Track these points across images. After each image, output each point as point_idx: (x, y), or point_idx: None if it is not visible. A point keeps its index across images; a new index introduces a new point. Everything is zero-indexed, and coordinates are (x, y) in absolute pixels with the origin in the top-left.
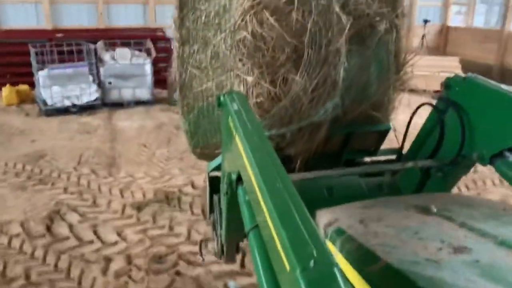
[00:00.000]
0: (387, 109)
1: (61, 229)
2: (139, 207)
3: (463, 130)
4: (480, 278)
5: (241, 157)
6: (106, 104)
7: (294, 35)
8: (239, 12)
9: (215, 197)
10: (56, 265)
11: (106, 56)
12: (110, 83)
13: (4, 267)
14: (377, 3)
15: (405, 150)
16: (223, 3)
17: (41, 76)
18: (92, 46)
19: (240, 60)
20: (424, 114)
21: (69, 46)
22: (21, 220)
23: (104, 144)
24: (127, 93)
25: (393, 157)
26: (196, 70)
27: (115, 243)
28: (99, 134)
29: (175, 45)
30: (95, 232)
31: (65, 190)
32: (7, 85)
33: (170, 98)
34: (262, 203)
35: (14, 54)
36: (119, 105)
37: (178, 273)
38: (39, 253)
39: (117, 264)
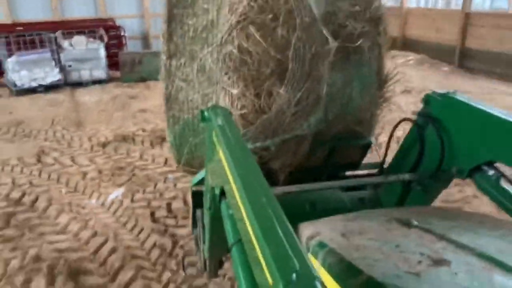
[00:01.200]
0: (370, 124)
1: (48, 160)
2: (103, 145)
3: (442, 145)
4: None
5: (224, 172)
6: (68, 84)
7: (278, 50)
8: (226, 27)
9: (198, 212)
10: (49, 178)
11: (65, 44)
12: (70, 66)
13: (13, 180)
14: (360, 21)
15: (386, 164)
16: (210, 18)
17: (10, 62)
18: (52, 35)
19: (226, 73)
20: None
21: (31, 36)
22: (17, 157)
23: (70, 112)
24: (85, 74)
25: (375, 171)
26: (182, 83)
27: (89, 165)
28: (65, 106)
29: (162, 58)
30: (73, 160)
31: (45, 140)
32: None
33: (122, 77)
34: (245, 217)
35: None
36: (79, 84)
37: (134, 174)
38: (35, 172)
39: (91, 174)
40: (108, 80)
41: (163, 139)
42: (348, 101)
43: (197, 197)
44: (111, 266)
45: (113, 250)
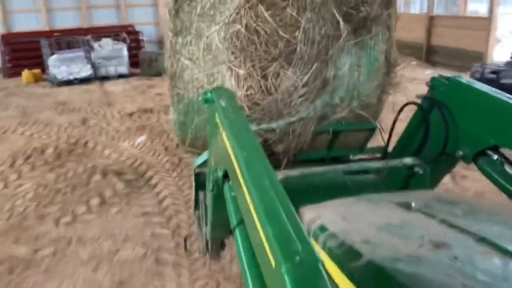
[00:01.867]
0: (375, 109)
1: (90, 123)
2: (130, 114)
3: (447, 129)
4: (459, 274)
5: (227, 154)
6: (97, 77)
7: (287, 30)
8: (234, 5)
9: (201, 194)
10: (93, 133)
11: (95, 45)
12: (99, 63)
13: (68, 134)
14: (372, 4)
15: (390, 148)
16: None
17: (52, 60)
18: (85, 38)
19: (233, 53)
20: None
21: (67, 39)
22: (67, 122)
23: (102, 97)
24: (111, 69)
25: (379, 155)
26: (188, 61)
27: (120, 126)
28: (97, 93)
29: (168, 34)
30: (108, 124)
31: (86, 113)
32: (25, 70)
33: (141, 72)
34: (248, 199)
35: (26, 50)
36: (106, 78)
37: (152, 129)
38: (83, 130)
39: (122, 130)
40: (130, 75)
41: None
42: (355, 85)
43: (200, 178)
44: (140, 170)
45: (140, 164)
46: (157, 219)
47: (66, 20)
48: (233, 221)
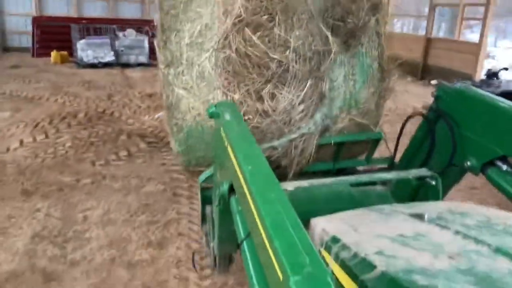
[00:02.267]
0: (375, 115)
1: (115, 99)
2: (149, 95)
3: (453, 140)
4: (475, 286)
5: (233, 167)
6: (119, 64)
7: (277, 51)
8: (221, 30)
9: (208, 208)
10: (117, 106)
11: (120, 34)
12: (122, 50)
13: (96, 105)
14: (359, 12)
15: (397, 158)
16: (205, 22)
17: (80, 43)
18: (110, 27)
19: (226, 78)
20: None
21: (95, 27)
22: (94, 96)
23: (123, 80)
24: (132, 58)
25: (386, 166)
26: (182, 91)
27: (141, 103)
28: (119, 77)
29: (159, 67)
30: (130, 101)
31: (110, 90)
32: (54, 50)
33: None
34: (254, 213)
35: (54, 33)
36: (127, 65)
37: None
38: (108, 103)
39: (143, 107)
40: (149, 64)
41: None
42: (351, 94)
43: (206, 193)
44: (160, 136)
45: (160, 131)
46: (175, 168)
47: (94, 10)
48: (240, 234)
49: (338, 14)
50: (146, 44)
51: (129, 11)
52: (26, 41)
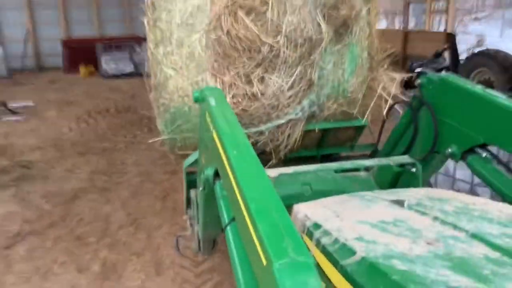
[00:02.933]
0: (362, 105)
1: (136, 99)
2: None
3: (436, 128)
4: (452, 271)
5: (218, 153)
6: (138, 74)
7: (269, 35)
8: (213, 12)
9: (192, 192)
10: (139, 103)
11: (137, 49)
12: (140, 62)
13: (122, 103)
14: (351, 1)
15: (380, 146)
16: (197, 3)
17: (104, 58)
18: (129, 43)
19: (216, 60)
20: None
21: (116, 43)
22: (120, 97)
23: (142, 86)
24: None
25: (369, 152)
26: (171, 71)
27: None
28: (138, 83)
29: (148, 45)
30: (148, 99)
31: (132, 93)
32: (82, 66)
33: None
34: (239, 198)
35: (82, 52)
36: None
37: None
38: (133, 101)
39: None
40: None
41: None
42: (340, 82)
43: (191, 178)
44: None
45: None
46: None
47: (114, 29)
48: (225, 219)
49: (331, 2)
50: None
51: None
52: (57, 61)
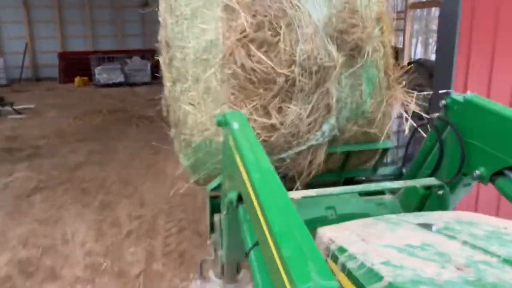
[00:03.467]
0: (382, 124)
1: (126, 103)
2: (150, 99)
3: (462, 149)
4: None
5: (241, 176)
6: (128, 83)
7: (283, 65)
8: (226, 46)
9: (216, 217)
10: (129, 105)
11: (128, 61)
12: (130, 73)
13: (114, 106)
14: (363, 23)
15: (405, 168)
16: (209, 38)
17: (97, 69)
18: (120, 56)
19: (232, 93)
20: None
21: (108, 56)
22: (111, 102)
23: (131, 93)
24: (138, 78)
25: (394, 175)
26: (189, 107)
27: (146, 103)
28: (128, 91)
29: (165, 84)
30: (137, 103)
31: (122, 99)
32: (77, 77)
33: (161, 81)
34: (262, 222)
35: (77, 64)
36: (135, 84)
37: None
38: (123, 104)
39: (148, 104)
40: (151, 83)
41: None
42: (358, 104)
43: (215, 202)
44: (153, 117)
45: (155, 116)
46: (163, 126)
47: (107, 44)
48: (248, 243)
49: (342, 26)
50: (149, 68)
51: (135, 43)
52: (53, 72)
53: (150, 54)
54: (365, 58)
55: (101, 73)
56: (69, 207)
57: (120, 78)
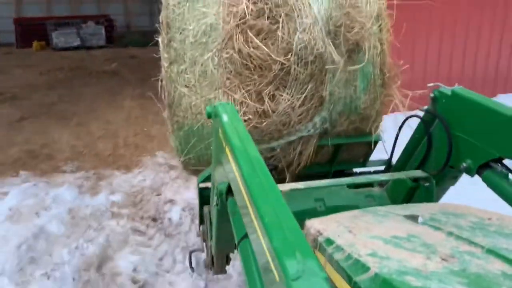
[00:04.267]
0: (374, 121)
1: (84, 63)
2: (108, 59)
3: (449, 142)
4: (468, 287)
5: (231, 168)
6: (84, 47)
7: (280, 53)
8: (225, 31)
9: (205, 209)
10: (88, 63)
11: (83, 25)
12: (85, 37)
13: (73, 63)
14: (362, 19)
15: (394, 161)
16: (209, 22)
17: (54, 34)
18: (75, 21)
19: (228, 78)
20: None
21: (64, 21)
22: (71, 61)
23: (88, 55)
24: (93, 42)
25: (382, 168)
26: (184, 89)
27: (104, 61)
28: (85, 54)
29: (163, 64)
30: (94, 62)
31: (81, 59)
32: (35, 41)
33: (114, 45)
34: (251, 214)
35: (33, 29)
36: (91, 47)
37: None
38: (82, 63)
39: (107, 63)
40: (106, 46)
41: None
42: (352, 99)
43: (204, 193)
44: (110, 71)
45: (111, 70)
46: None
47: (62, 10)
48: (237, 235)
49: (342, 21)
50: (103, 32)
51: (90, 9)
52: (9, 38)
53: (104, 19)
54: (364, 55)
55: (58, 37)
56: (53, 126)
57: (77, 42)
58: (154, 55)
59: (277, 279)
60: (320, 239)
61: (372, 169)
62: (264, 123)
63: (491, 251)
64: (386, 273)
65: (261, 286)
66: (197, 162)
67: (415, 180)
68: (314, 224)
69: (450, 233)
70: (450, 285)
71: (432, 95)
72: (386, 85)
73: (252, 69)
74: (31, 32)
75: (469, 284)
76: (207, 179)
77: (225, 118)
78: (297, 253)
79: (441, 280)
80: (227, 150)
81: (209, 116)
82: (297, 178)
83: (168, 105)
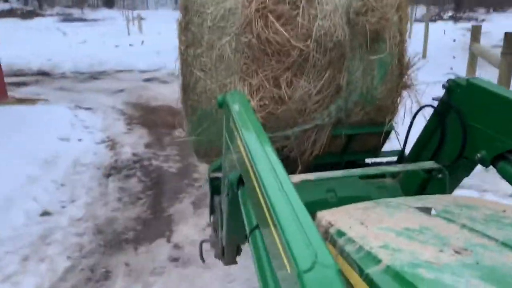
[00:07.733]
0: (390, 112)
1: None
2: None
3: (464, 133)
4: (481, 280)
5: (242, 158)
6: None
7: (299, 39)
8: (245, 15)
9: (216, 199)
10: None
11: None
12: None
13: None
14: (382, 8)
15: (406, 151)
16: (228, 6)
17: None
18: None
19: (245, 63)
20: (427, 114)
21: None
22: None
23: None
24: None
25: (395, 158)
26: (200, 73)
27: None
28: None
29: (179, 47)
30: None
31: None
32: None
33: None
34: (263, 204)
35: None
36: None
37: None
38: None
39: None
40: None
41: None
42: (368, 89)
43: (215, 183)
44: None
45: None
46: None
47: None
48: (248, 226)
49: (363, 9)
50: None
51: None
52: None
53: None
54: (384, 44)
55: None
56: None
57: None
58: None
59: (289, 270)
60: (331, 230)
61: (384, 159)
62: (280, 110)
63: (505, 244)
64: (398, 266)
65: (272, 278)
66: (208, 146)
67: (428, 171)
68: (325, 216)
69: (463, 226)
70: (463, 278)
71: (446, 84)
72: (404, 76)
73: (270, 55)
74: None
75: (482, 277)
76: (218, 169)
77: (236, 107)
78: (309, 245)
79: (454, 273)
80: (238, 140)
81: (220, 105)
82: (309, 168)
83: (183, 88)
